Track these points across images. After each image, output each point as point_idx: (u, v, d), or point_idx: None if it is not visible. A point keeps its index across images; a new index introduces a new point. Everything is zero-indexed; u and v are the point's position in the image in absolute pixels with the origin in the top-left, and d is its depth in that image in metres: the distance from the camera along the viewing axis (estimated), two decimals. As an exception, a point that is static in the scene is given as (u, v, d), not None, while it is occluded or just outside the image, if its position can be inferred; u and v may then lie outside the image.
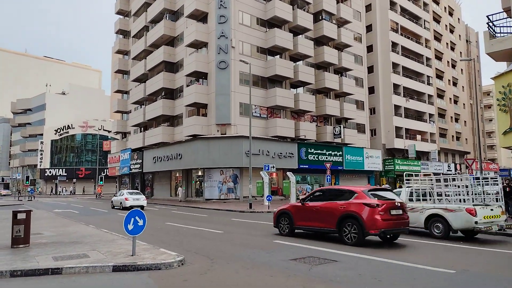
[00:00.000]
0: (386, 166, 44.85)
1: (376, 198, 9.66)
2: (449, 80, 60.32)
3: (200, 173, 33.43)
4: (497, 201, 11.33)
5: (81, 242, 9.95)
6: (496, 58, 15.62)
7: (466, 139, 63.34)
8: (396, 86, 47.28)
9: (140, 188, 43.23)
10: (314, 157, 35.32)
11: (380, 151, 43.48)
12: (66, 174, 66.58)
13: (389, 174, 45.56)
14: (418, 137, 50.21)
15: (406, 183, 12.81)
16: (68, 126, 70.23)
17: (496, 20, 15.18)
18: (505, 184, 14.11)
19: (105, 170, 57.35)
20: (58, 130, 69.92)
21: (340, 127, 37.36)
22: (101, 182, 47.35)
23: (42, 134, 69.92)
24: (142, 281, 6.37)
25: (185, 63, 33.87)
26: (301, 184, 35.39)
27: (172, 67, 37.94)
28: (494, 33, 15.01)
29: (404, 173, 13.71)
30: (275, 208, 12.88)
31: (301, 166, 34.14)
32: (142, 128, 43.19)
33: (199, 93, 32.21)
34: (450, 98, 60.07)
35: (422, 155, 50.52)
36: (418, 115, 51.13)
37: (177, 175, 37.48)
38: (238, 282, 6.31)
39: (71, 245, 9.46)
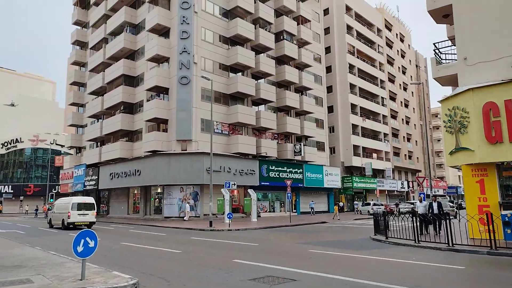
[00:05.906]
0: (344, 183, 46.11)
1: None
2: (401, 102, 63.92)
3: (159, 190, 32.50)
4: None
5: (25, 266, 9.21)
6: (442, 83, 16.77)
7: (417, 157, 66.95)
8: (353, 106, 49.29)
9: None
10: (275, 174, 35.59)
11: (339, 169, 44.72)
12: (12, 191, 61.83)
13: (348, 191, 46.86)
14: (374, 155, 52.33)
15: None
16: (17, 139, 65.84)
17: (442, 48, 16.37)
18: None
19: (57, 186, 54.15)
20: (5, 144, 65.30)
21: (300, 144, 38.09)
22: (51, 200, 44.51)
23: (-14, 148, 65.00)
24: (92, 308, 5.97)
25: (145, 77, 33.26)
26: (261, 201, 35.45)
27: (132, 81, 37.08)
28: (440, 59, 16.15)
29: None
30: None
31: (262, 183, 34.23)
32: (99, 143, 41.48)
33: (159, 108, 31.63)
34: (402, 119, 63.57)
35: (377, 173, 52.58)
36: (373, 134, 53.42)
37: (135, 192, 36.19)
38: (195, 305, 6.09)
39: (13, 269, 8.72)
